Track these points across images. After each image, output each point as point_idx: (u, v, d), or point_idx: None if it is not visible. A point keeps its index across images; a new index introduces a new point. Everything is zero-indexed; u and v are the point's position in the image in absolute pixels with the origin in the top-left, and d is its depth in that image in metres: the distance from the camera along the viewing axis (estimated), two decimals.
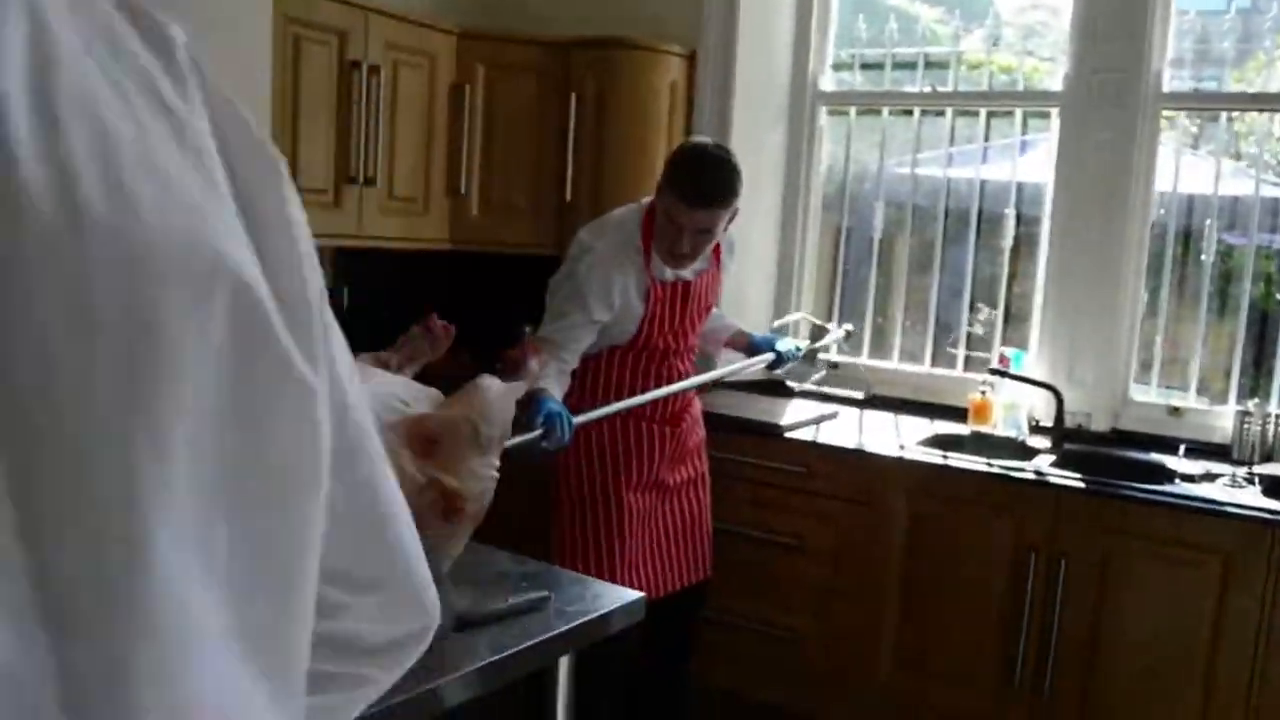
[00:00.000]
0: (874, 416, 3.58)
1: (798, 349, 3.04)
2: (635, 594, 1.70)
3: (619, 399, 2.55)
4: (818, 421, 3.40)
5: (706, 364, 3.09)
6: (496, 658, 1.42)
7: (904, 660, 3.16)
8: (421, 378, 1.74)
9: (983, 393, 3.49)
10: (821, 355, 3.15)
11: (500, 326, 3.96)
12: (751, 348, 3.03)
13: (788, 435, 3.26)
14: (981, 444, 3.34)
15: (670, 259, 2.50)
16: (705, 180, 2.40)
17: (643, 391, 2.59)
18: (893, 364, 3.90)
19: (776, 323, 3.52)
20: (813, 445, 3.23)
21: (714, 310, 2.89)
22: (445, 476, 1.54)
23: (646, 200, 2.57)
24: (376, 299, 3.72)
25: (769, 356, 2.97)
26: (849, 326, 3.37)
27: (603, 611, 1.62)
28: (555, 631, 1.52)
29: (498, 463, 1.64)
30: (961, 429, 3.47)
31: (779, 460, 3.27)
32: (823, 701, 3.26)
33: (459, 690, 1.35)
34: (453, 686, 1.34)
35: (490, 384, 1.65)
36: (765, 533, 3.30)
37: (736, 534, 3.30)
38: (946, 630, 3.07)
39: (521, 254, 3.69)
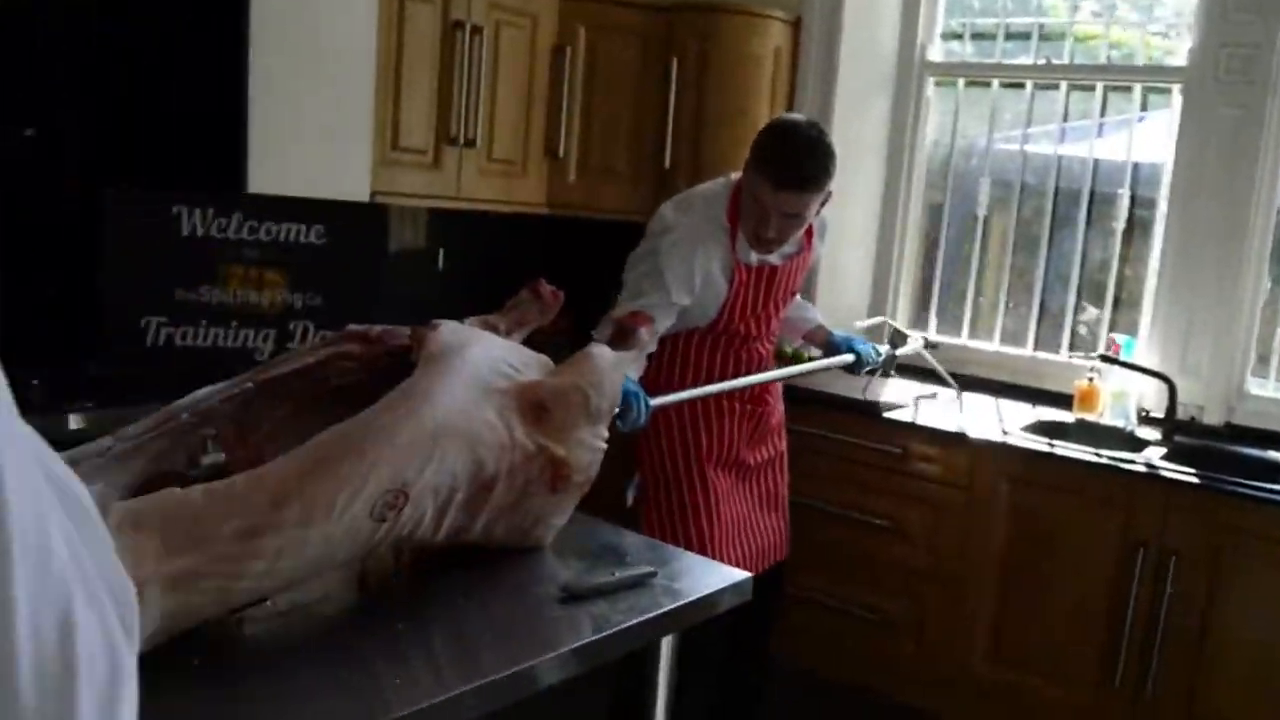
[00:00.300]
0: (973, 400, 3.47)
1: (877, 354, 2.89)
2: (742, 573, 1.65)
3: (696, 382, 2.47)
4: (915, 402, 3.31)
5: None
6: (603, 634, 1.38)
7: (998, 651, 3.08)
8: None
9: (1090, 379, 3.36)
10: (902, 351, 3.00)
11: (595, 294, 3.93)
12: (830, 346, 2.87)
13: (885, 415, 3.17)
14: (1087, 433, 3.22)
15: (756, 242, 2.36)
16: (795, 162, 2.23)
17: (721, 375, 2.50)
18: (993, 345, 3.78)
19: (859, 324, 3.38)
20: (911, 426, 3.15)
21: (797, 298, 2.76)
22: (554, 445, 1.50)
23: (735, 176, 2.43)
24: (471, 262, 3.72)
25: (847, 358, 2.83)
26: (926, 335, 3.22)
27: (711, 590, 1.58)
28: (663, 609, 1.48)
29: (606, 434, 1.60)
30: (1065, 416, 3.35)
31: (874, 440, 3.20)
32: (908, 687, 3.20)
33: (559, 668, 1.31)
34: (551, 664, 1.30)
35: (602, 352, 1.61)
36: (856, 512, 3.24)
37: (823, 511, 3.24)
38: (1045, 623, 2.98)
39: (618, 220, 3.64)
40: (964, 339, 3.82)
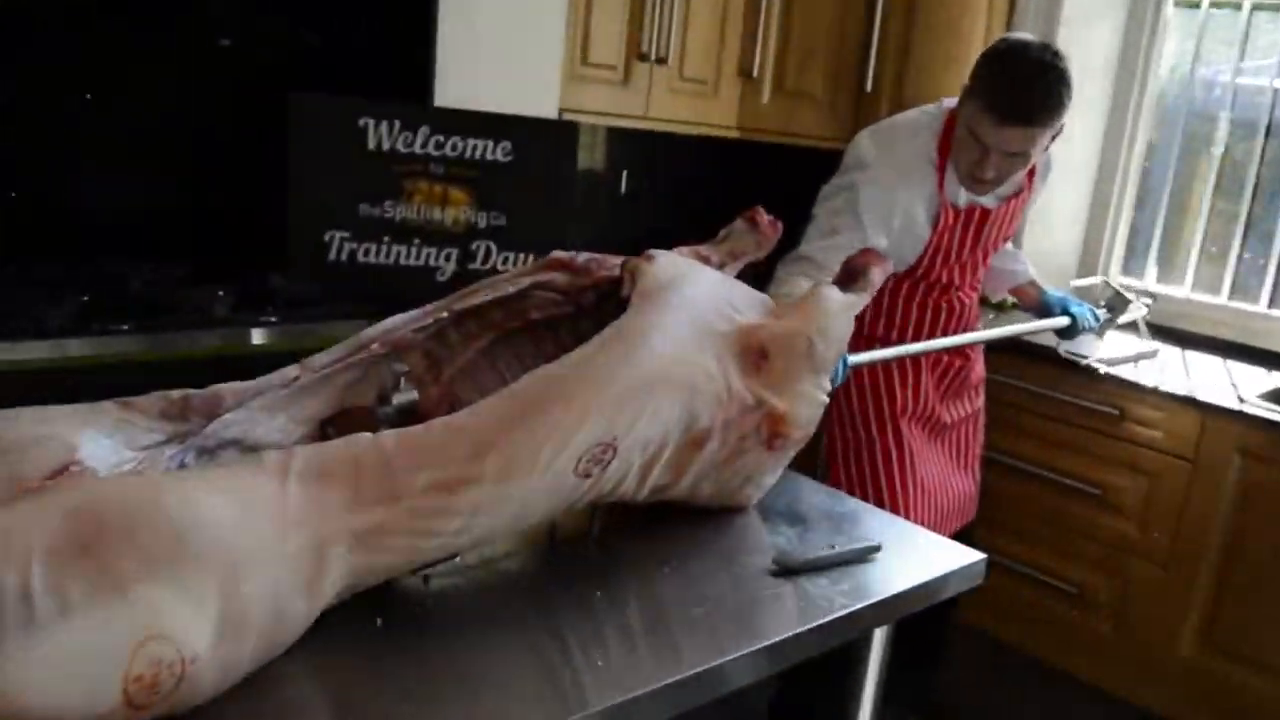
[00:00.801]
0: (1199, 360, 3.12)
1: (1095, 319, 2.55)
2: (974, 554, 1.45)
3: (890, 333, 2.23)
4: (1135, 359, 2.98)
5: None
6: (826, 619, 1.21)
7: (1210, 639, 2.78)
8: None
9: None
10: (1123, 319, 2.65)
11: (787, 225, 3.71)
12: (1043, 307, 2.55)
13: (1102, 371, 2.87)
14: None
15: (969, 182, 2.06)
16: (1024, 91, 1.90)
17: (918, 327, 2.25)
18: (1220, 300, 3.39)
19: (1074, 283, 2.99)
20: (1132, 386, 2.83)
21: (1008, 245, 2.46)
22: (774, 398, 1.33)
23: (948, 103, 2.11)
24: (656, 185, 3.54)
25: (1062, 321, 2.50)
26: (1149, 300, 2.79)
27: (942, 572, 1.39)
28: (892, 593, 1.30)
29: (830, 386, 1.42)
30: None
31: (1088, 398, 2.90)
32: (1103, 668, 2.94)
33: (772, 659, 1.15)
34: (763, 655, 1.13)
35: (831, 295, 1.41)
36: (1058, 475, 2.97)
37: (1019, 470, 2.99)
38: (1269, 613, 2.66)
39: (812, 146, 3.40)
40: (1187, 292, 3.44)
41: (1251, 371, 3.08)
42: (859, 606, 1.25)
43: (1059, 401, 2.96)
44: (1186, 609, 2.80)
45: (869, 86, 3.31)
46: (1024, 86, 1.87)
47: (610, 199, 3.44)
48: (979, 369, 2.49)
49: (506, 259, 2.54)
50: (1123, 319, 2.66)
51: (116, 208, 2.47)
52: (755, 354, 1.32)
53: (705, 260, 1.46)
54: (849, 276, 1.48)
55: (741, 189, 3.77)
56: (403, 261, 2.45)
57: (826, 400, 1.42)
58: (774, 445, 1.37)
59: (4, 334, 1.79)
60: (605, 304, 1.33)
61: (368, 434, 0.94)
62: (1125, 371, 2.87)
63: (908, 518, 2.26)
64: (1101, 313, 2.60)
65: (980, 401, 2.52)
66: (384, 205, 2.39)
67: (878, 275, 1.49)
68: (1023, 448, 3.01)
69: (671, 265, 1.27)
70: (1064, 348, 2.76)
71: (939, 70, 3.22)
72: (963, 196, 2.11)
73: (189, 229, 2.57)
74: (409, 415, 1.07)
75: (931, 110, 2.11)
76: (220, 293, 2.10)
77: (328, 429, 1.11)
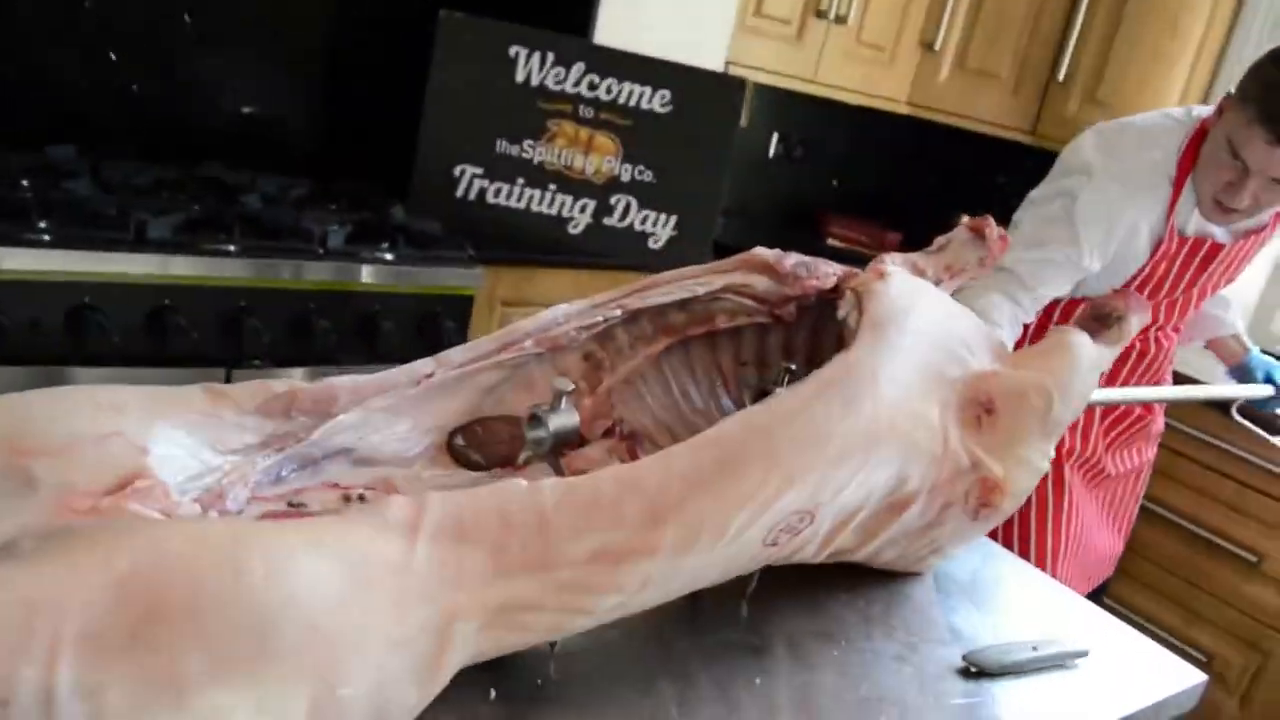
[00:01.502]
0: None
1: None
2: (1197, 677, 1.18)
3: None
4: None
5: None
6: None
7: None
8: None
9: None
10: None
11: (941, 216, 3.39)
12: (1244, 370, 2.17)
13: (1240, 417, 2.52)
14: None
15: (1212, 208, 1.73)
16: None
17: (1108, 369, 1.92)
18: None
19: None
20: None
21: (1221, 291, 2.11)
22: (992, 461, 1.06)
23: (1200, 111, 1.78)
24: (811, 155, 3.25)
25: (1266, 390, 2.13)
26: None
27: (1159, 699, 1.13)
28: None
29: (1053, 452, 1.15)
30: None
31: (1264, 456, 2.57)
32: None
33: None
34: None
35: (1083, 345, 1.14)
36: (1211, 533, 2.66)
37: (1168, 521, 2.69)
38: None
39: (988, 134, 3.07)
40: None
41: None
42: None
43: (1230, 455, 2.64)
44: None
45: (1061, 75, 2.97)
46: None
47: (757, 163, 3.16)
48: (1160, 421, 2.18)
49: (647, 218, 2.29)
50: None
51: (234, 110, 2.27)
52: (980, 407, 1.06)
53: (920, 274, 1.19)
54: (1098, 320, 1.20)
55: (906, 170, 3.48)
56: (534, 207, 2.22)
57: (1047, 467, 1.15)
58: (979, 515, 1.11)
59: (98, 240, 1.61)
60: (804, 317, 1.08)
61: (520, 483, 0.71)
62: None
63: (1053, 573, 1.98)
64: None
65: (1151, 454, 2.21)
66: (523, 144, 2.15)
67: (1135, 325, 1.21)
68: (1178, 498, 2.70)
69: (905, 287, 1.00)
70: (1240, 413, 2.40)
71: (1144, 67, 2.86)
72: (1193, 224, 1.78)
73: (310, 145, 2.37)
74: (566, 443, 0.83)
75: (1177, 115, 1.77)
76: (336, 223, 1.89)
77: (455, 439, 0.89)
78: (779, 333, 1.12)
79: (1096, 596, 2.25)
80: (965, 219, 1.30)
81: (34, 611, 0.50)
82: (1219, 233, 1.79)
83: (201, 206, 1.81)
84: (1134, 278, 1.80)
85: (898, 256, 1.21)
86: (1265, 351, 2.21)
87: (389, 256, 1.92)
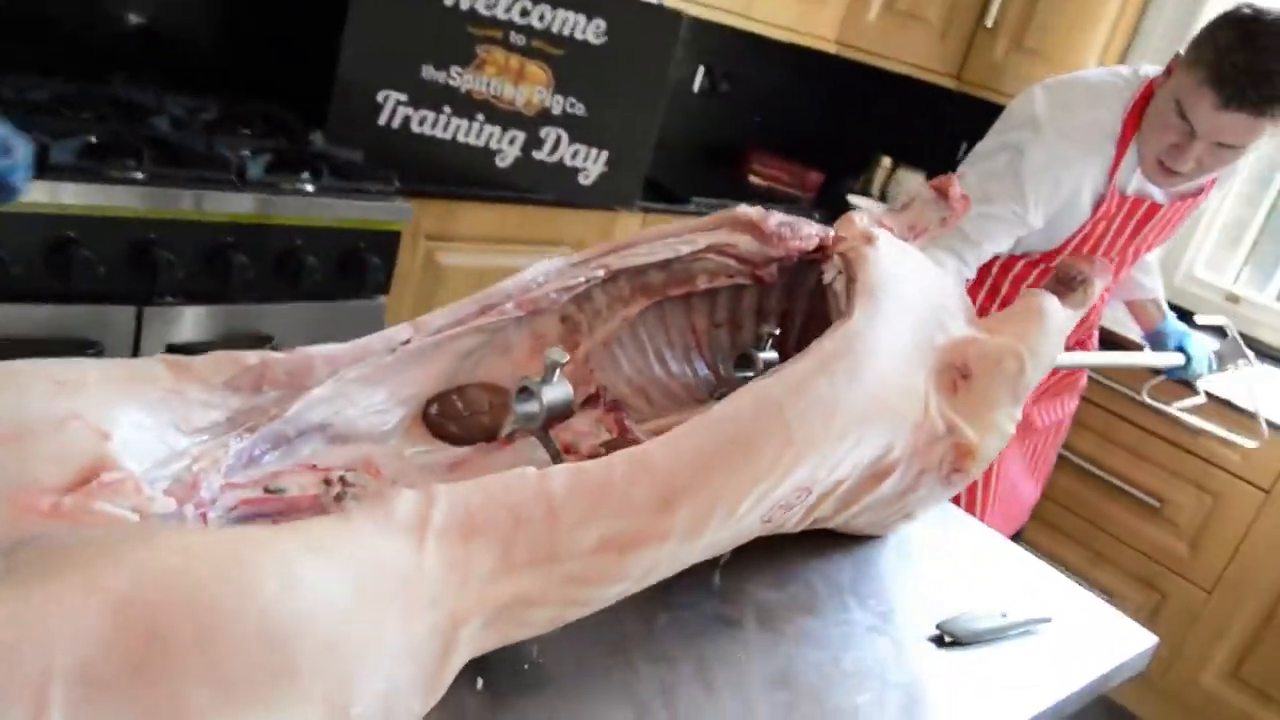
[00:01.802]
0: None
1: (1210, 366, 2.20)
2: (1149, 637, 1.21)
3: None
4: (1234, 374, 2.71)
5: None
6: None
7: (1238, 674, 2.63)
8: None
9: None
10: (1234, 372, 2.28)
11: (858, 156, 3.38)
12: (1158, 336, 2.22)
13: (1198, 385, 2.61)
14: None
15: (1155, 169, 1.72)
16: (1265, 72, 1.54)
17: None
18: None
19: (1197, 318, 2.59)
20: (1223, 403, 2.58)
21: (1152, 253, 2.11)
22: (966, 427, 1.05)
23: (1147, 70, 1.75)
24: (736, 90, 3.18)
25: (1175, 359, 2.17)
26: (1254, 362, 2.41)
27: (1117, 664, 1.14)
28: (1070, 689, 1.05)
29: (1019, 415, 1.14)
30: None
31: (1171, 405, 2.66)
32: (1120, 685, 2.77)
33: None
34: None
35: (1054, 309, 1.13)
36: (1117, 478, 2.76)
37: (1078, 467, 2.78)
38: None
39: (914, 77, 3.05)
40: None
41: None
42: (1045, 706, 1.00)
43: (1137, 404, 2.72)
44: (1220, 639, 2.64)
45: (990, 21, 2.96)
46: (1268, 65, 1.53)
47: (682, 96, 3.08)
48: (1084, 377, 2.22)
49: (577, 153, 2.21)
50: (1239, 371, 2.34)
51: (134, 21, 2.09)
52: (956, 372, 1.04)
53: (885, 229, 1.16)
54: (1063, 284, 1.19)
55: (830, 109, 3.44)
56: (461, 138, 2.11)
57: (1013, 432, 1.14)
58: (951, 480, 1.09)
59: None
60: (793, 280, 1.03)
61: (531, 472, 0.65)
62: (1220, 386, 2.62)
63: (981, 520, 2.01)
64: (1213, 360, 2.28)
65: (1074, 407, 2.25)
66: (451, 71, 2.03)
67: (1099, 288, 1.20)
68: (1084, 443, 2.79)
69: (893, 252, 0.97)
70: (1151, 382, 2.45)
71: (1071, 15, 2.87)
72: (1134, 183, 1.78)
73: (217, 60, 2.20)
74: (558, 417, 0.78)
75: (1125, 74, 1.76)
76: (251, 149, 1.76)
77: (431, 409, 0.82)
78: (753, 293, 1.08)
79: (1013, 542, 2.30)
80: (926, 179, 1.27)
81: (19, 644, 0.43)
82: (1157, 193, 1.80)
83: (105, 129, 1.66)
84: (1073, 235, 1.80)
85: (865, 213, 1.17)
86: (1174, 308, 2.27)
87: (310, 188, 1.81)
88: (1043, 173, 1.69)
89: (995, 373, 1.07)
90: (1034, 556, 1.32)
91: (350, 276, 1.86)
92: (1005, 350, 1.07)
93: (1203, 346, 2.19)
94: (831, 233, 1.02)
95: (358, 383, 0.75)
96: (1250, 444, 2.42)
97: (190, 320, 1.71)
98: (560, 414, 0.77)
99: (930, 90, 3.10)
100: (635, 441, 0.86)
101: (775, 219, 0.98)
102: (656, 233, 0.95)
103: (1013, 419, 1.13)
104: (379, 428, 0.78)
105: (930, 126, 3.32)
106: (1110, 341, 2.58)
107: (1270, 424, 2.51)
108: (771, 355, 1.01)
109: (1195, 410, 2.40)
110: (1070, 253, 1.84)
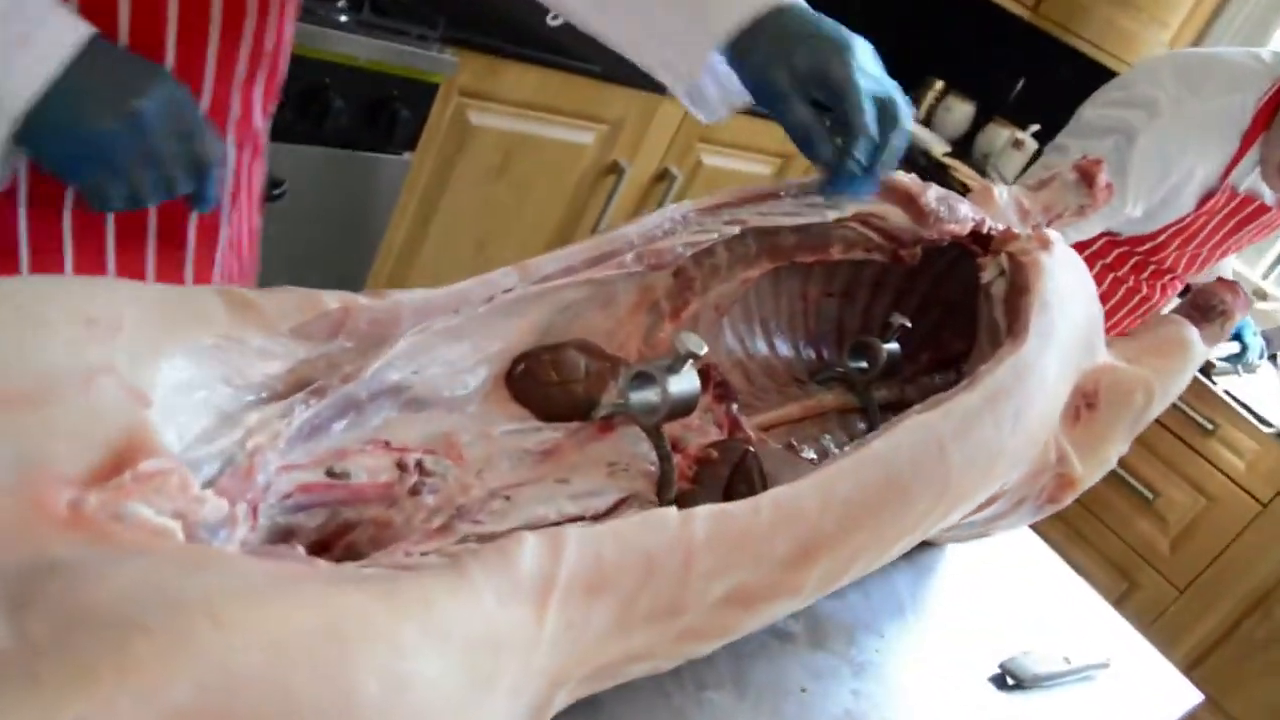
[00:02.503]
0: None
1: (1263, 353, 2.13)
2: (1196, 698, 1.13)
3: None
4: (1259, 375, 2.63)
5: None
6: None
7: (1195, 676, 2.62)
8: None
9: None
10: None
11: (911, 72, 3.17)
12: None
13: (1215, 378, 2.53)
14: None
15: (1274, 175, 1.58)
16: None
17: (1105, 301, 1.81)
18: None
19: (1256, 304, 2.50)
20: (1242, 408, 2.51)
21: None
22: (1076, 459, 0.93)
23: None
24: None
25: (1232, 346, 2.11)
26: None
27: (1166, 712, 1.06)
28: None
29: (1126, 449, 1.03)
30: None
31: (1186, 399, 2.57)
32: None
33: None
34: None
35: (1198, 346, 1.00)
36: (1118, 465, 2.69)
37: None
38: (1265, 680, 2.49)
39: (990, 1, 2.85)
40: None
41: None
42: None
43: None
44: (1180, 639, 2.63)
45: None
46: None
47: None
48: None
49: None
50: (1269, 353, 2.27)
51: None
52: (1084, 399, 0.92)
53: (1025, 214, 1.01)
54: (1200, 312, 1.06)
55: (885, 17, 3.20)
56: None
57: (1114, 466, 1.03)
58: (1043, 509, 0.99)
59: None
60: (933, 262, 0.89)
61: (673, 513, 0.51)
62: (1242, 388, 2.54)
63: None
64: (1265, 344, 2.21)
65: None
66: None
67: (1240, 316, 1.07)
68: None
69: (1065, 261, 0.83)
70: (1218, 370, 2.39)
71: None
72: (1247, 181, 1.64)
73: None
74: (680, 414, 0.64)
75: (1265, 59, 1.58)
76: None
77: (516, 369, 0.68)
78: (874, 266, 0.93)
79: None
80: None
81: None
82: (1268, 195, 1.66)
83: None
84: (1171, 225, 1.66)
85: (1004, 189, 1.02)
86: None
87: (345, 18, 1.60)
88: (1151, 164, 1.54)
89: (1122, 406, 0.95)
90: (1092, 590, 1.22)
91: (378, 127, 1.67)
92: (1140, 383, 0.95)
93: (1258, 334, 2.11)
94: (986, 220, 0.87)
95: (442, 335, 0.60)
96: (1267, 430, 2.37)
97: None
98: (681, 412, 0.63)
99: (1001, 15, 2.89)
100: (747, 441, 0.73)
101: (934, 194, 0.83)
102: (796, 189, 0.80)
103: (1120, 453, 1.02)
104: (459, 390, 0.63)
105: (993, 56, 3.12)
106: None
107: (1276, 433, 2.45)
108: (894, 347, 0.87)
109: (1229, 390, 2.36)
110: (1165, 239, 1.71)
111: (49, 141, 0.60)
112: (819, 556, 0.57)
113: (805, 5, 0.73)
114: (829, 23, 0.71)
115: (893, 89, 0.71)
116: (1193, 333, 1.00)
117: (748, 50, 0.72)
